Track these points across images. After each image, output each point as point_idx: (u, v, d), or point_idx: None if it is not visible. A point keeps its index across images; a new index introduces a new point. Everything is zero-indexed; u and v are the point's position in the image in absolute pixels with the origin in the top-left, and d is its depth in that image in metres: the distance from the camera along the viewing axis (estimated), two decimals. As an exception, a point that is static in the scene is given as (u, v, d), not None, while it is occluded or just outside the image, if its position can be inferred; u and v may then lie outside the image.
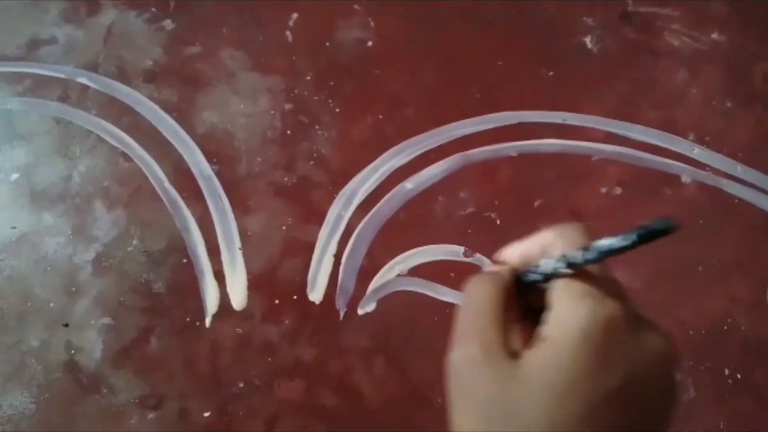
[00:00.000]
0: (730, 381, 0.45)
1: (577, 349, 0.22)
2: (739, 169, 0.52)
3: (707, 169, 0.52)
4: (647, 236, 0.22)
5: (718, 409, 0.44)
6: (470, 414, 0.24)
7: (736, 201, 0.51)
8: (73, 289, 0.45)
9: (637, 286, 0.47)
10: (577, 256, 0.23)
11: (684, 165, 0.52)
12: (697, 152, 0.52)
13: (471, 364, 0.24)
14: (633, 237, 0.22)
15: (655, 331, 0.24)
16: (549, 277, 0.25)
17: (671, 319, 0.46)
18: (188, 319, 0.45)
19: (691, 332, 0.46)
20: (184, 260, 0.46)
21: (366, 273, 0.47)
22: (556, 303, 0.24)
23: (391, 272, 0.47)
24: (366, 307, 0.46)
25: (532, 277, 0.25)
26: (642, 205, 0.50)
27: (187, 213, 0.48)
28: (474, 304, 0.25)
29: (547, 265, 0.25)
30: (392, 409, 0.42)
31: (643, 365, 0.23)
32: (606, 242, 0.23)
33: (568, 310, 0.23)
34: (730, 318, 0.47)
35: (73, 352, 0.43)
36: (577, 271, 0.24)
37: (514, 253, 0.27)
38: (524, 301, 0.26)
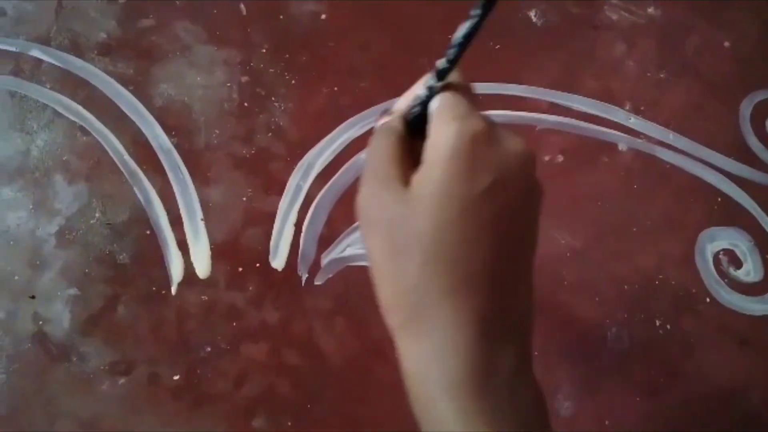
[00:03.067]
0: (660, 331, 0.49)
1: (448, 162, 0.26)
2: (671, 137, 0.56)
3: (642, 137, 0.55)
4: (488, 2, 0.26)
5: (650, 356, 0.48)
6: (375, 237, 0.27)
7: (668, 167, 0.55)
8: (38, 262, 0.46)
9: (578, 246, 0.51)
10: (441, 62, 0.27)
11: (621, 134, 0.55)
12: (633, 121, 0.56)
13: (371, 196, 0.28)
14: (476, 11, 0.26)
15: (512, 137, 0.27)
16: (427, 102, 0.28)
17: (608, 275, 0.50)
18: (154, 288, 0.46)
19: (626, 287, 0.50)
20: (147, 231, 0.48)
21: (326, 240, 0.49)
22: (431, 131, 0.27)
23: (345, 245, 0.49)
24: (322, 279, 0.48)
25: (415, 111, 0.29)
26: (582, 172, 0.54)
27: (148, 185, 0.49)
28: (372, 153, 0.29)
29: (421, 90, 0.28)
30: (352, 364, 0.45)
31: (505, 166, 0.26)
32: (458, 33, 0.27)
33: (439, 133, 0.26)
34: (661, 274, 0.51)
35: (41, 323, 0.44)
36: (447, 82, 0.28)
37: (400, 103, 0.31)
38: (422, 145, 0.28)
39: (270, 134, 0.52)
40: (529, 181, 0.27)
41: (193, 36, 0.55)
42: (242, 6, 0.57)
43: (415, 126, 0.29)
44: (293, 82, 0.54)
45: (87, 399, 0.42)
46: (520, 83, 0.57)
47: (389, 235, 0.27)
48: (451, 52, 0.27)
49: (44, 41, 0.54)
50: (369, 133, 0.53)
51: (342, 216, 0.49)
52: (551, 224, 0.51)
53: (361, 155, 0.52)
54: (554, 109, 0.56)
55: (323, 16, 0.57)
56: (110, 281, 0.46)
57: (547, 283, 0.49)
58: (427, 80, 0.29)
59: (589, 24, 0.60)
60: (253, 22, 0.56)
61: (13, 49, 0.53)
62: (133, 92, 0.52)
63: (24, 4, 0.55)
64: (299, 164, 0.51)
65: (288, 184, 0.51)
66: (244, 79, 0.54)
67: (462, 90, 0.28)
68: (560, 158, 0.54)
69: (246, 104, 0.53)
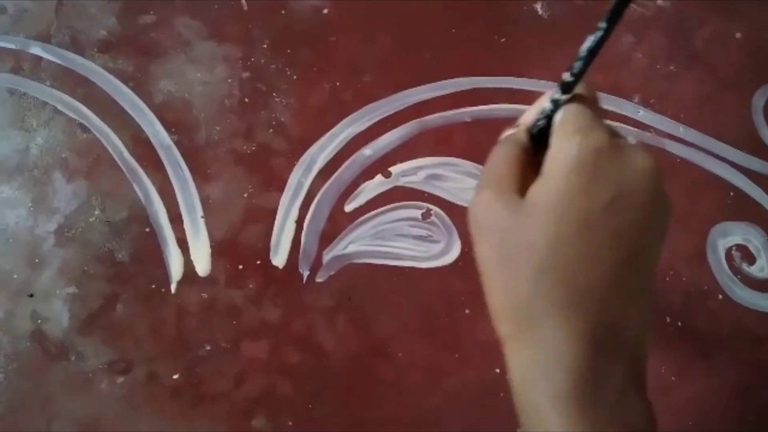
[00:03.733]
0: (671, 328, 0.48)
1: (570, 174, 0.25)
2: (681, 130, 0.54)
3: (651, 130, 0.54)
4: (614, 15, 0.26)
5: (661, 353, 0.47)
6: (487, 245, 0.27)
7: (678, 160, 0.53)
8: (37, 260, 0.45)
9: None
10: (566, 75, 0.27)
11: (630, 127, 0.54)
12: (642, 114, 0.55)
13: (485, 204, 0.27)
14: (602, 24, 0.26)
15: (638, 152, 0.27)
16: (551, 115, 0.28)
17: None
18: (153, 286, 0.45)
19: (636, 284, 0.49)
20: (147, 229, 0.47)
21: (328, 237, 0.48)
22: (552, 143, 0.27)
23: (347, 242, 0.48)
24: (323, 276, 0.47)
25: (540, 123, 0.29)
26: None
27: (148, 183, 0.48)
28: (492, 162, 0.29)
29: (546, 104, 0.28)
30: (354, 363, 0.44)
31: (629, 180, 0.26)
32: (584, 46, 0.27)
33: (561, 145, 0.26)
34: (672, 270, 0.50)
35: (39, 321, 0.44)
36: (573, 94, 0.27)
37: (526, 116, 0.31)
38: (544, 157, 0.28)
39: (271, 130, 0.51)
40: (655, 198, 0.27)
41: (193, 32, 0.55)
42: (243, 2, 0.57)
43: (540, 140, 0.29)
44: (294, 77, 0.54)
45: (85, 398, 0.42)
46: (527, 77, 0.56)
47: (501, 244, 0.26)
48: (576, 65, 0.27)
49: (44, 38, 0.53)
50: (371, 129, 0.52)
51: (344, 212, 0.49)
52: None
53: (364, 151, 0.51)
54: (561, 102, 0.55)
55: (325, 11, 0.57)
56: (109, 279, 0.45)
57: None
58: (552, 93, 0.28)
59: (595, 16, 0.58)
60: (254, 18, 0.56)
61: (12, 46, 0.53)
62: (133, 89, 0.52)
63: (24, 3, 0.55)
64: (301, 160, 0.51)
65: (289, 181, 0.50)
66: (245, 74, 0.53)
67: (586, 102, 0.28)
68: (567, 153, 0.53)
69: (247, 100, 0.52)
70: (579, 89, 0.28)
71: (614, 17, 0.26)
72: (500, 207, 0.27)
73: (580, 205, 0.25)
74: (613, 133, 0.27)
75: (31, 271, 0.45)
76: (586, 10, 0.59)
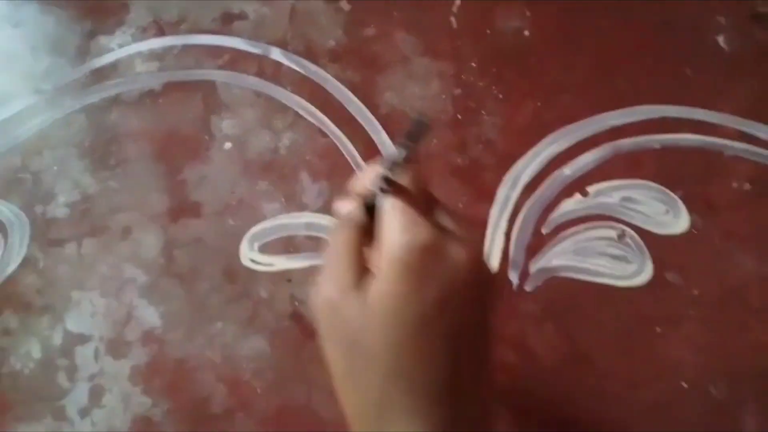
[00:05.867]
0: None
1: (400, 277, 0.27)
2: None
3: None
4: (412, 136, 0.29)
5: None
6: (335, 353, 0.29)
7: None
8: (291, 249, 0.53)
9: (765, 272, 0.54)
10: (382, 169, 0.30)
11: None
12: None
13: (331, 308, 0.29)
14: (401, 140, 0.29)
15: (456, 244, 0.28)
16: (380, 196, 0.30)
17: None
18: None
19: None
20: (380, 229, 0.54)
21: (533, 249, 0.54)
22: (383, 235, 0.29)
23: (551, 256, 0.55)
24: (531, 286, 0.53)
25: (370, 201, 0.31)
26: (771, 201, 0.57)
27: (380, 188, 0.55)
28: (333, 250, 0.30)
29: (375, 186, 0.30)
30: (561, 369, 0.51)
31: (453, 278, 0.27)
32: (392, 153, 0.30)
33: (390, 245, 0.28)
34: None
35: (296, 303, 0.51)
36: (395, 185, 0.30)
37: (358, 186, 0.32)
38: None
39: (480, 146, 0.57)
40: (477, 284, 0.29)
41: (410, 47, 0.60)
42: (452, 19, 0.62)
43: (374, 207, 0.31)
44: (500, 96, 0.59)
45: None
46: (709, 108, 0.60)
47: (349, 353, 0.28)
48: (395, 168, 0.30)
49: (282, 45, 0.60)
50: (569, 149, 0.58)
51: (546, 227, 0.55)
52: (737, 249, 0.55)
53: (564, 170, 0.57)
54: (742, 136, 0.59)
55: (526, 32, 0.62)
56: (350, 272, 0.52)
57: (733, 307, 0.53)
58: (378, 176, 0.30)
59: (777, 52, 0.62)
60: (463, 36, 0.61)
61: (257, 51, 0.59)
62: (361, 99, 0.58)
63: (262, 9, 0.61)
64: (507, 175, 0.57)
65: (497, 194, 0.56)
66: (457, 91, 0.59)
67: (409, 198, 0.30)
68: (747, 186, 0.58)
69: (459, 116, 0.58)
70: (404, 181, 0.30)
71: (415, 138, 0.29)
72: (345, 314, 0.28)
73: (414, 308, 0.27)
74: (435, 230, 0.28)
75: (287, 260, 0.53)
76: (766, 44, 0.63)
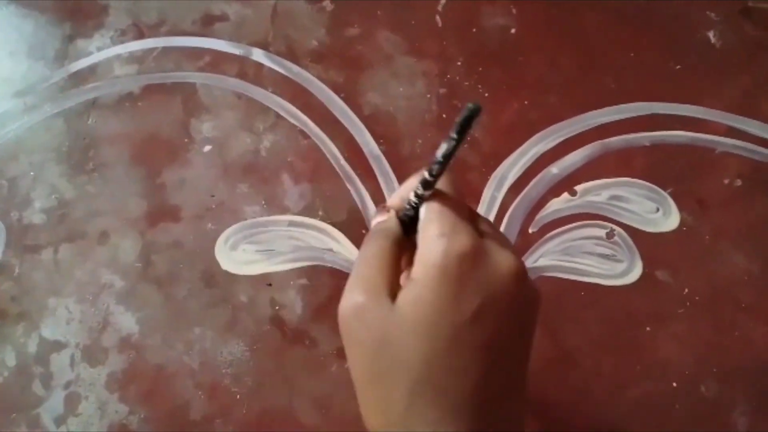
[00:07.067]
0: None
1: (436, 284, 0.25)
2: None
3: None
4: (463, 126, 0.26)
5: None
6: (360, 357, 0.27)
7: None
8: (271, 252, 0.52)
9: (756, 270, 0.53)
10: (426, 173, 0.28)
11: None
12: None
13: (357, 311, 0.27)
14: (453, 135, 0.27)
15: (501, 252, 0.27)
16: (417, 206, 0.29)
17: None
18: (371, 284, 0.51)
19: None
20: (363, 231, 0.53)
21: (520, 250, 0.53)
22: (419, 244, 0.27)
23: (538, 255, 0.53)
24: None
25: (408, 213, 0.30)
26: (761, 196, 0.56)
27: (362, 189, 0.54)
28: (363, 259, 0.28)
29: (412, 196, 0.29)
30: (547, 369, 0.50)
31: (494, 286, 0.26)
32: (439, 151, 0.27)
33: (427, 251, 0.26)
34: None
35: (277, 308, 0.50)
36: (435, 191, 0.28)
37: (394, 200, 0.31)
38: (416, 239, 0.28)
39: (466, 145, 0.56)
40: (520, 297, 0.27)
41: (394, 46, 0.60)
42: (438, 18, 0.61)
43: (412, 222, 0.29)
44: (486, 95, 0.58)
45: (319, 379, 0.48)
46: (700, 104, 0.59)
47: (375, 358, 0.26)
48: (435, 168, 0.28)
49: (263, 46, 0.59)
50: (557, 148, 0.57)
51: (533, 227, 0.54)
52: (728, 246, 0.54)
53: (551, 169, 0.56)
54: (732, 132, 0.58)
55: (512, 30, 0.61)
56: (333, 274, 0.51)
57: (723, 306, 0.52)
58: (416, 186, 0.29)
59: (767, 47, 0.61)
60: (448, 35, 0.60)
61: (238, 52, 0.58)
62: (344, 99, 0.57)
63: (244, 10, 0.60)
64: (493, 175, 0.56)
65: (483, 194, 0.55)
66: (442, 91, 0.58)
67: (448, 202, 0.28)
68: (738, 182, 0.57)
69: (444, 116, 0.57)
70: (442, 186, 0.29)
71: (463, 130, 0.27)
72: (372, 315, 0.26)
73: (449, 317, 0.25)
74: (477, 234, 0.27)
75: (267, 264, 0.51)
76: (757, 39, 0.62)
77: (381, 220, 0.31)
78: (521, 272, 0.27)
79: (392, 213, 0.30)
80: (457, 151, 0.27)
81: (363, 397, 0.28)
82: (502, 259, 0.27)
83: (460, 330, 0.25)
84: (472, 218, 0.29)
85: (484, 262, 0.26)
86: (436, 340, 0.25)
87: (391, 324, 0.26)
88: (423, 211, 0.28)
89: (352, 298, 0.27)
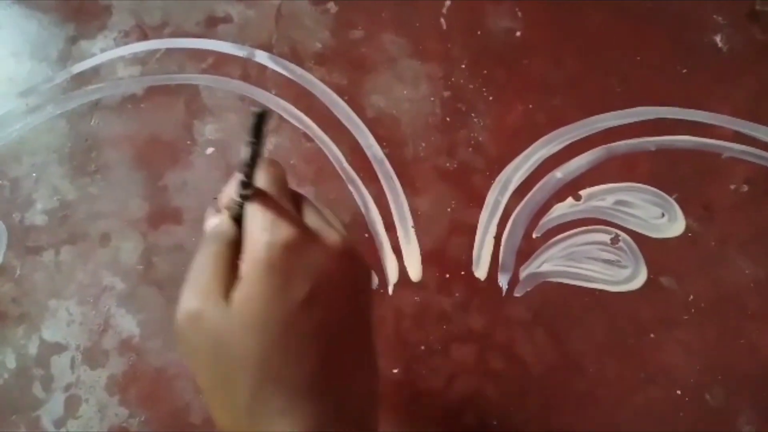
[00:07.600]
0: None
1: (264, 277, 0.25)
2: None
3: None
4: (255, 131, 0.26)
5: None
6: (201, 365, 0.27)
7: None
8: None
9: (762, 275, 0.52)
10: (240, 176, 0.28)
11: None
12: None
13: (191, 318, 0.26)
14: (250, 139, 0.26)
15: (327, 235, 0.28)
16: (241, 204, 0.29)
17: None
18: (373, 287, 0.51)
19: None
20: (366, 235, 0.53)
21: (523, 254, 0.53)
22: (245, 241, 0.27)
23: (541, 260, 0.53)
24: (521, 292, 0.52)
25: (236, 211, 0.29)
26: (768, 202, 0.56)
27: (365, 192, 0.54)
28: (197, 265, 0.28)
29: (235, 196, 0.29)
30: (551, 375, 0.49)
31: (322, 267, 0.26)
32: (244, 155, 0.27)
33: (252, 247, 0.26)
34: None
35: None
36: (253, 189, 0.28)
37: (224, 198, 0.31)
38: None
39: (470, 149, 0.56)
40: (350, 274, 0.28)
41: (398, 49, 0.59)
42: (443, 20, 0.61)
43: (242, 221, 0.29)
44: (491, 98, 0.58)
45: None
46: (706, 109, 0.59)
47: (215, 362, 0.26)
48: (245, 170, 0.28)
49: (267, 48, 0.59)
50: (561, 152, 0.56)
51: (537, 232, 0.53)
52: (734, 252, 0.53)
53: (556, 173, 0.55)
54: (739, 137, 0.58)
55: (518, 33, 0.60)
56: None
57: (730, 311, 0.51)
58: (237, 185, 0.29)
59: (775, 51, 0.61)
60: (453, 37, 0.60)
61: (241, 54, 0.58)
62: (347, 102, 0.57)
63: (247, 11, 0.60)
64: (497, 179, 0.55)
65: (487, 198, 0.55)
66: (446, 94, 0.58)
67: (267, 199, 0.28)
68: (745, 188, 0.56)
69: (448, 119, 0.57)
70: (262, 184, 0.29)
71: (256, 134, 0.26)
72: (207, 321, 0.26)
73: (280, 307, 0.25)
74: (301, 222, 0.28)
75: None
76: (764, 44, 0.61)
77: (214, 224, 0.30)
78: (348, 250, 0.28)
79: (225, 214, 0.30)
80: (261, 151, 0.27)
81: (210, 400, 0.27)
82: (328, 242, 0.27)
83: (292, 318, 0.26)
84: (297, 208, 0.30)
85: (310, 247, 0.27)
86: (271, 333, 0.25)
87: (226, 325, 0.26)
88: (246, 211, 0.28)
89: (186, 306, 0.27)
